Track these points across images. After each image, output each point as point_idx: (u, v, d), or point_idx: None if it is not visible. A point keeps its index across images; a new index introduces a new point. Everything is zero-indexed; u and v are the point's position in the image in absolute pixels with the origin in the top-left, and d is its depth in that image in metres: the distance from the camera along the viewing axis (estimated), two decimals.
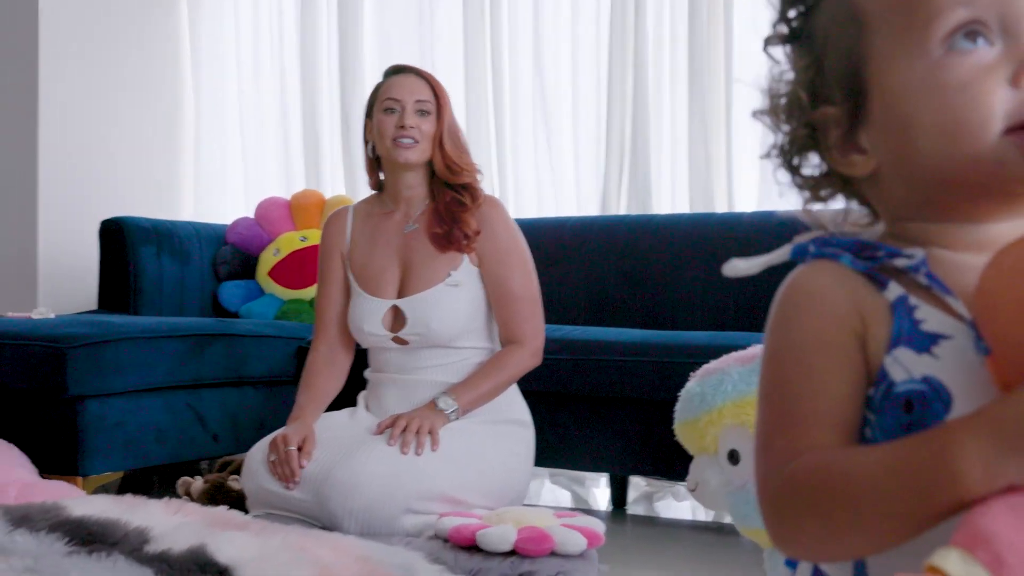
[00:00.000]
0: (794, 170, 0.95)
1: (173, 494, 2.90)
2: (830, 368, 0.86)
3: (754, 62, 4.04)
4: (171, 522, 2.02)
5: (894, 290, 0.87)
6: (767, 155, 0.96)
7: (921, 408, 0.83)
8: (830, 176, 0.94)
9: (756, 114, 0.96)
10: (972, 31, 0.84)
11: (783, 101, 0.94)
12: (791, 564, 0.96)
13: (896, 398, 0.85)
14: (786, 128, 0.94)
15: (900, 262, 0.87)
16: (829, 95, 0.91)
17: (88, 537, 1.89)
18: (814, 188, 0.95)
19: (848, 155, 0.92)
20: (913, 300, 0.86)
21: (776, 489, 0.83)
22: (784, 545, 0.83)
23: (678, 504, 3.57)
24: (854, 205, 0.96)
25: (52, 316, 3.48)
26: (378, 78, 2.89)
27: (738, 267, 0.94)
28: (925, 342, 0.84)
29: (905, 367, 0.84)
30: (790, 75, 0.94)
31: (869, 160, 0.91)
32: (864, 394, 0.86)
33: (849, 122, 0.91)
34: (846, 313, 0.87)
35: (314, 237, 4.13)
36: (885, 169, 0.90)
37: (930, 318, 0.85)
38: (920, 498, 0.75)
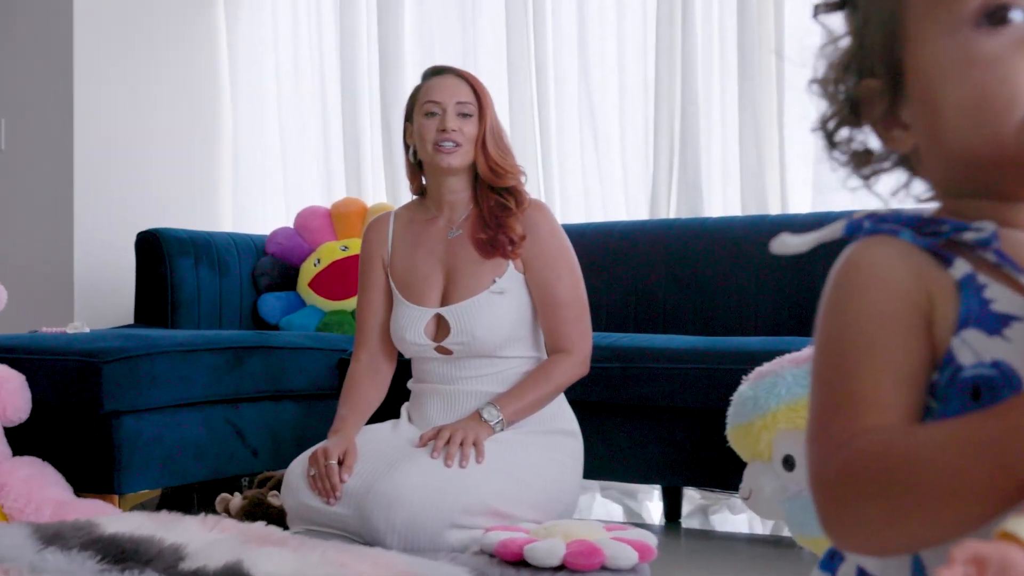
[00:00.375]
0: (836, 144, 0.93)
1: (213, 512, 2.90)
2: (893, 345, 0.83)
3: (806, 58, 3.99)
4: (207, 539, 2.01)
5: (961, 267, 0.83)
6: (815, 129, 0.93)
7: (989, 396, 0.80)
8: (875, 152, 0.92)
9: (809, 84, 0.94)
10: (1003, 5, 0.82)
11: (832, 72, 0.92)
12: (827, 567, 0.92)
13: (963, 384, 0.81)
14: (832, 100, 0.92)
15: (969, 236, 0.84)
16: (872, 67, 0.89)
17: (121, 555, 1.89)
18: (857, 164, 0.93)
19: (891, 130, 0.90)
20: (982, 278, 0.83)
21: (833, 474, 0.79)
22: (841, 536, 0.80)
23: (734, 517, 3.53)
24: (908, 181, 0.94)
25: (87, 331, 3.50)
26: (420, 81, 2.88)
27: (788, 243, 0.90)
28: (996, 323, 0.81)
29: (974, 350, 0.81)
30: (838, 45, 0.92)
31: (910, 136, 0.89)
32: (928, 378, 0.83)
33: (891, 96, 0.89)
34: (911, 288, 0.84)
35: (356, 246, 4.13)
36: (922, 146, 0.89)
37: (1001, 297, 0.82)
38: (999, 473, 0.72)
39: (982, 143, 0.83)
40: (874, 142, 0.92)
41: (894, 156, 0.92)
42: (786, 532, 3.24)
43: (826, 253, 3.25)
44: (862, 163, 0.93)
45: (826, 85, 0.92)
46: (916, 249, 0.85)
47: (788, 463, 1.57)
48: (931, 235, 0.85)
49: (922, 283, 0.84)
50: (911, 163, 0.92)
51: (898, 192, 0.94)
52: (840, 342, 0.85)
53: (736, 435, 1.66)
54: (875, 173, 0.93)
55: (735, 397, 1.67)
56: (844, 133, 0.92)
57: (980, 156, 0.83)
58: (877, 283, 0.85)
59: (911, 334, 0.83)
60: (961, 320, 0.82)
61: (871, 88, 0.89)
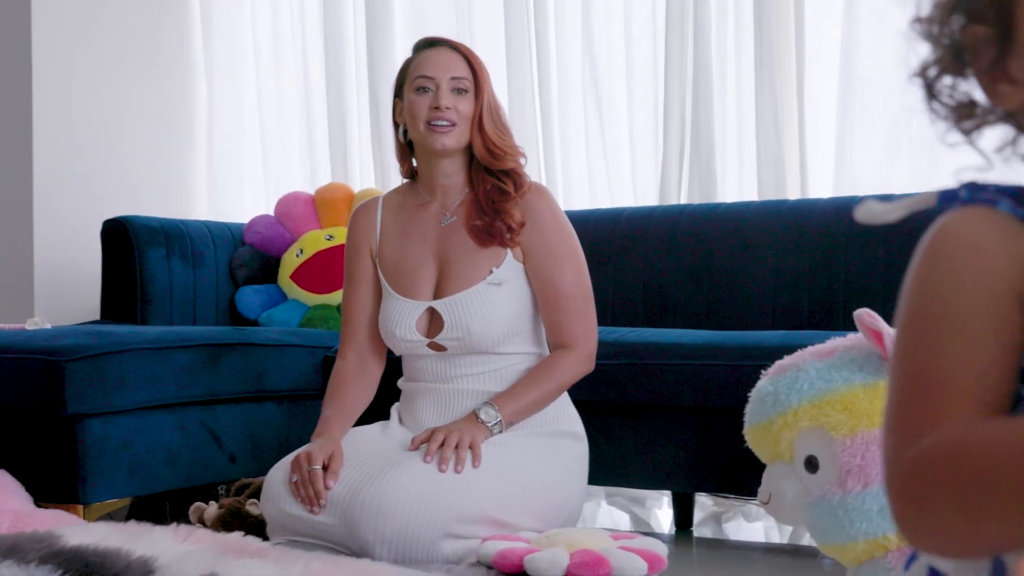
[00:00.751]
0: (936, 94, 0.90)
1: (186, 522, 2.89)
2: (984, 329, 0.81)
3: (828, 31, 4.01)
4: (179, 550, 2.00)
5: None
6: (915, 75, 0.90)
7: None
8: (979, 106, 0.89)
9: (912, 23, 0.90)
10: None
11: (937, 12, 0.89)
12: (907, 567, 0.91)
13: None
14: (935, 43, 0.89)
15: None
16: (981, 12, 0.86)
17: (85, 569, 1.88)
18: (960, 117, 0.89)
19: (998, 84, 0.87)
20: None
21: (907, 467, 0.78)
22: (914, 534, 0.78)
23: (749, 525, 3.54)
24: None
25: (48, 327, 3.48)
26: (411, 54, 2.86)
27: (874, 211, 0.89)
28: None
29: None
30: None
31: (1018, 92, 0.86)
32: (1019, 365, 0.81)
33: (1000, 46, 0.86)
34: (1006, 265, 0.82)
35: (341, 236, 4.12)
36: None
37: None
38: None
39: None
40: (979, 94, 0.89)
41: (1000, 111, 0.89)
42: (806, 540, 3.24)
43: (848, 242, 3.25)
44: (964, 116, 0.89)
45: (930, 25, 0.89)
46: (1016, 221, 0.83)
47: (811, 464, 1.57)
48: None
49: (1018, 259, 0.82)
50: (1019, 120, 0.89)
51: (1004, 149, 0.90)
52: (926, 318, 0.84)
53: (755, 435, 1.65)
54: (978, 127, 0.90)
55: (753, 393, 1.66)
56: (946, 82, 0.89)
57: None
58: (969, 257, 0.83)
59: (1003, 315, 0.81)
60: None
61: (978, 35, 0.86)
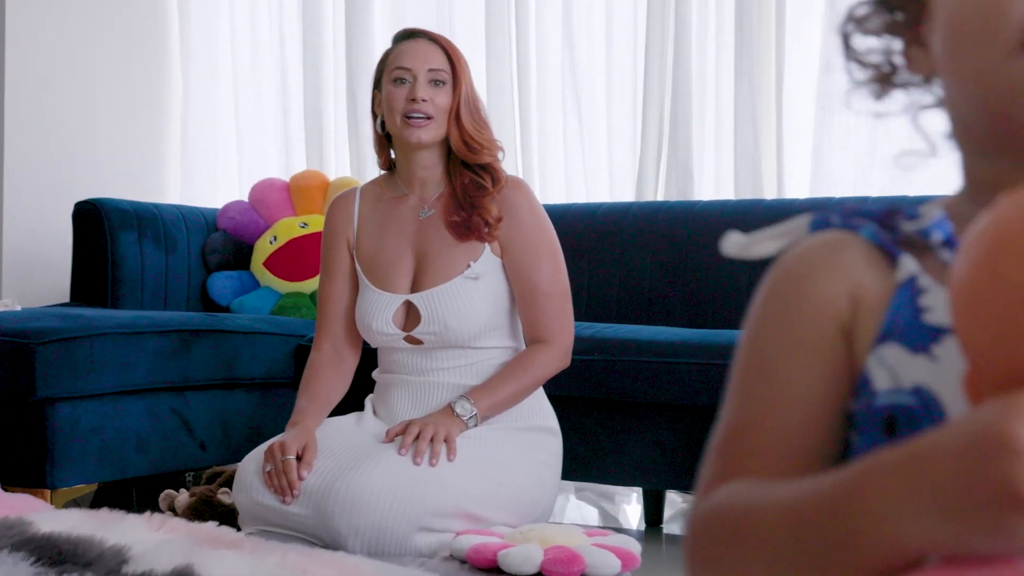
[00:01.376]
0: (853, 56, 0.84)
1: (154, 509, 2.86)
2: (797, 378, 0.75)
3: (808, 32, 4.01)
4: (153, 539, 1.98)
5: (906, 268, 0.74)
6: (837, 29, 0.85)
7: (908, 429, 0.70)
8: (899, 72, 0.83)
9: None
10: None
11: None
12: None
13: (876, 414, 0.72)
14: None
15: (908, 227, 0.75)
16: None
17: (58, 557, 1.86)
18: (876, 80, 0.84)
19: (911, 47, 0.82)
20: (924, 281, 0.74)
21: (692, 521, 0.75)
22: None
23: None
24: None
25: (18, 308, 3.45)
26: (388, 47, 2.85)
27: (739, 243, 0.81)
28: (924, 338, 0.71)
29: (891, 371, 0.72)
30: None
31: (927, 57, 0.80)
32: (846, 407, 0.75)
33: (915, 7, 0.80)
34: (836, 299, 0.75)
35: (315, 223, 4.09)
36: (941, 79, 0.80)
37: (940, 306, 0.71)
38: (813, 561, 0.64)
39: (961, 77, 0.75)
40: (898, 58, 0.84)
41: (918, 79, 0.83)
42: None
43: None
44: (882, 80, 0.84)
45: None
46: (870, 249, 0.77)
47: None
48: (894, 229, 0.77)
49: (851, 289, 0.76)
50: (933, 90, 0.84)
51: (911, 111, 0.85)
52: (743, 360, 0.80)
53: None
54: (887, 90, 0.84)
55: None
56: (867, 41, 0.84)
57: (966, 99, 0.75)
58: (793, 293, 0.78)
59: (823, 358, 0.75)
60: (881, 333, 0.73)
61: None
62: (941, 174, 3.38)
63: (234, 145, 5.04)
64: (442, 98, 2.70)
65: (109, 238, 3.93)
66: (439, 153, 2.76)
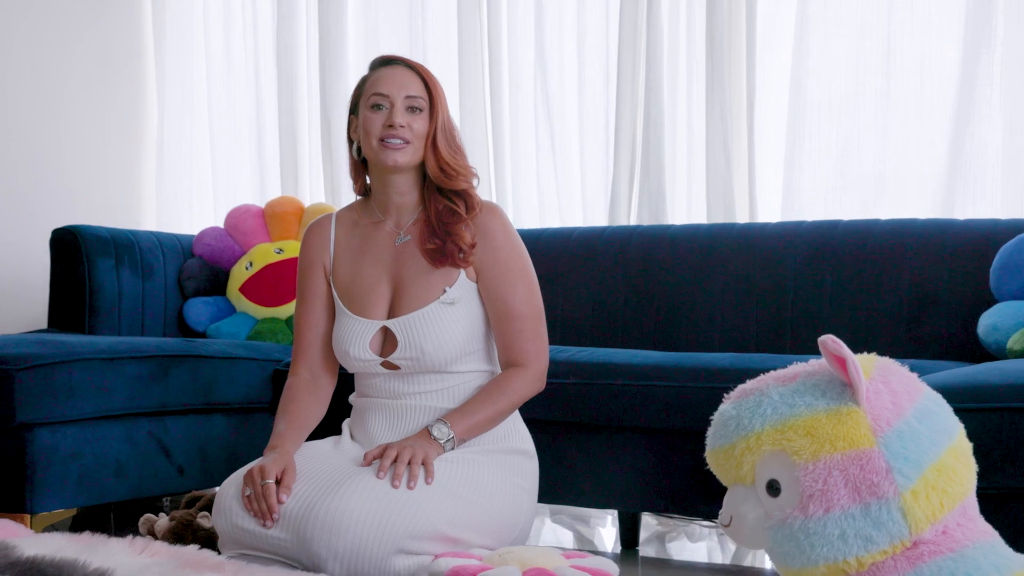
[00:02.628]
0: None
1: (134, 533, 2.86)
2: None
3: (778, 58, 4.06)
4: (136, 563, 1.99)
5: None
6: None
7: None
8: None
9: None
10: None
11: None
12: None
13: None
14: None
15: None
16: None
17: None
18: None
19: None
20: None
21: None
22: None
23: (693, 545, 3.56)
24: None
25: None
26: (362, 73, 2.86)
27: None
28: None
29: None
30: None
31: None
32: None
33: None
34: None
35: (291, 249, 4.11)
36: None
37: None
38: None
39: None
40: None
41: None
42: (748, 560, 3.27)
43: (795, 266, 3.29)
44: None
45: None
46: None
47: (773, 488, 1.58)
48: None
49: None
50: None
51: None
52: None
53: (716, 458, 1.66)
54: None
55: (716, 417, 1.67)
56: None
57: None
58: None
59: None
60: None
61: None
62: (913, 196, 3.44)
63: (209, 171, 5.05)
64: (419, 124, 2.71)
65: (87, 264, 3.94)
66: (414, 178, 2.77)
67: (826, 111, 3.87)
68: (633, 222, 4.12)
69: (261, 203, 4.49)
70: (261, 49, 4.96)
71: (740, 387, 1.67)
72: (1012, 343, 2.82)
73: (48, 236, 4.05)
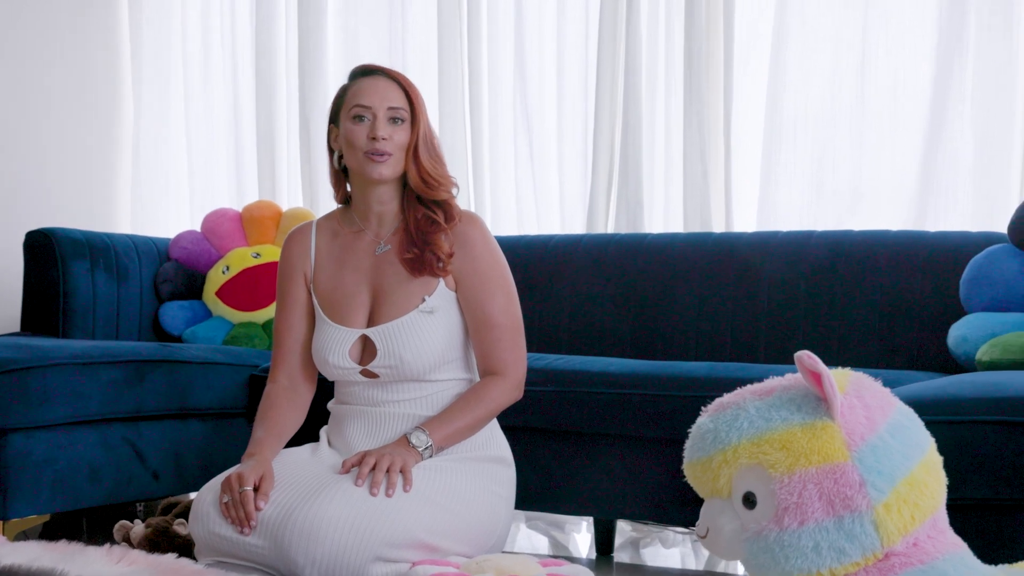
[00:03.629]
0: None
1: (106, 539, 2.87)
2: None
3: (756, 70, 4.10)
4: (114, 572, 1.99)
5: None
6: None
7: None
8: None
9: None
10: None
11: None
12: None
13: None
14: None
15: None
16: None
17: None
18: None
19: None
20: None
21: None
22: None
23: (666, 551, 3.58)
24: None
25: None
26: (341, 77, 2.87)
27: None
28: None
29: None
30: None
31: None
32: None
33: None
34: None
35: (268, 253, 4.12)
36: None
37: None
38: None
39: None
40: None
41: None
42: (721, 567, 3.30)
43: (770, 276, 3.32)
44: None
45: None
46: None
47: (749, 501, 1.61)
48: None
49: None
50: None
51: None
52: None
53: (694, 470, 1.68)
54: None
55: (694, 430, 1.70)
56: None
57: None
58: None
59: None
60: None
61: None
62: (885, 209, 3.48)
63: (186, 174, 5.05)
64: (401, 135, 2.72)
65: (61, 267, 3.93)
66: (395, 188, 2.79)
67: (802, 125, 3.91)
68: (611, 230, 4.15)
69: (238, 207, 4.50)
70: (239, 51, 4.96)
71: (718, 400, 1.70)
72: (981, 354, 2.86)
73: (22, 238, 4.04)
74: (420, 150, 2.73)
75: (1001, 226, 3.35)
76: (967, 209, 3.69)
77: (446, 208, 2.76)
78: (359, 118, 2.71)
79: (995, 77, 3.65)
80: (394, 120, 2.72)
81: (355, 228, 2.83)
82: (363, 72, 2.80)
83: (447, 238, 2.73)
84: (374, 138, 2.68)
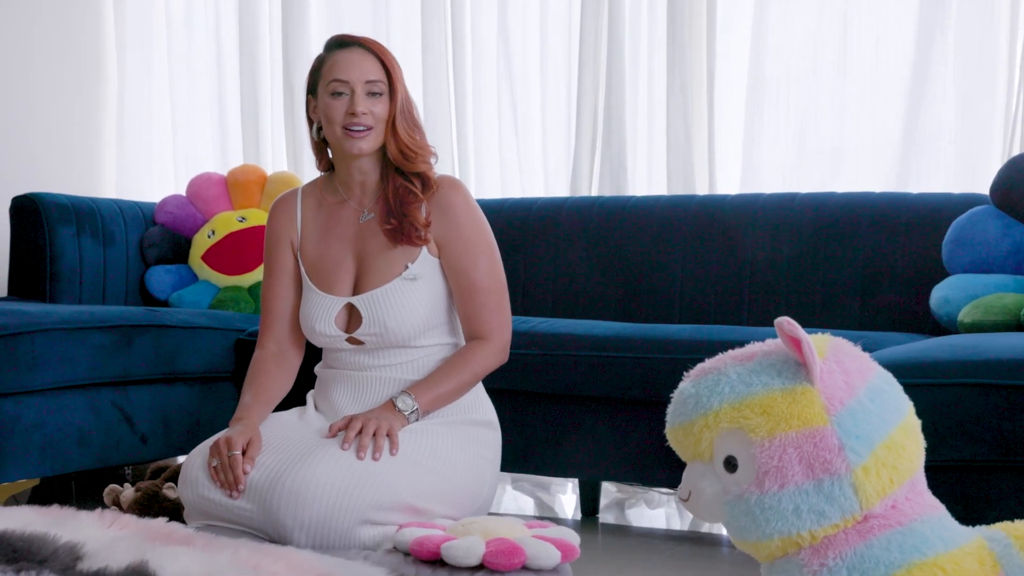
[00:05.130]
0: None
1: (96, 504, 2.88)
2: None
3: (738, 32, 4.10)
4: (105, 536, 2.01)
5: None
6: None
7: None
8: None
9: None
10: None
11: None
12: None
13: None
14: None
15: None
16: None
17: (12, 555, 1.89)
18: None
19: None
20: None
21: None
22: None
23: (651, 512, 3.62)
24: None
25: None
26: (325, 40, 2.85)
27: None
28: None
29: None
30: None
31: None
32: None
33: None
34: None
35: (253, 218, 4.13)
36: None
37: None
38: None
39: None
40: None
41: None
42: (705, 528, 3.34)
43: (754, 238, 3.34)
44: None
45: None
46: None
47: (730, 464, 1.63)
48: None
49: None
50: None
51: None
52: None
53: (676, 435, 1.71)
54: None
55: (676, 395, 1.72)
56: None
57: None
58: None
59: None
60: None
61: None
62: (868, 170, 3.50)
63: (170, 139, 5.04)
64: (379, 108, 2.72)
65: (47, 232, 3.94)
66: (376, 158, 2.79)
67: (784, 86, 3.92)
68: (595, 192, 4.16)
69: (222, 170, 4.50)
70: (222, 14, 4.94)
71: (699, 366, 1.72)
72: (963, 315, 2.89)
73: (7, 204, 4.05)
74: (398, 122, 2.72)
75: (983, 188, 3.37)
76: (949, 171, 3.71)
77: (424, 178, 2.76)
78: (337, 93, 2.71)
79: (977, 38, 3.66)
80: (372, 94, 2.71)
81: (338, 198, 2.84)
82: (339, 44, 2.77)
83: (424, 207, 2.74)
84: (353, 113, 2.68)
